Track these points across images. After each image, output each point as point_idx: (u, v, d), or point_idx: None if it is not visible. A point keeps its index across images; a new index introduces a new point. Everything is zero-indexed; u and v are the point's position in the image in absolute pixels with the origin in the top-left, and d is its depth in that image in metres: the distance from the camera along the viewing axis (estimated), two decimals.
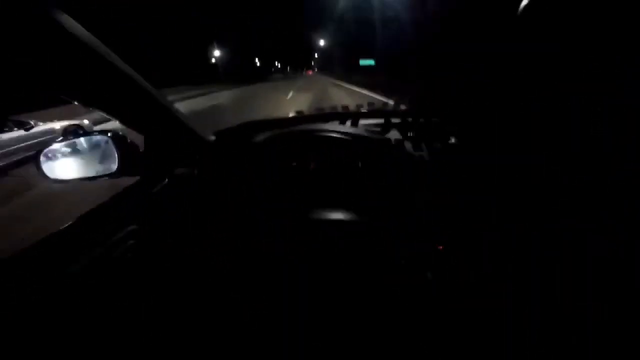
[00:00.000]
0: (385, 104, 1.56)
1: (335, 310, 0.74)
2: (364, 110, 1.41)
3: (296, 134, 1.10)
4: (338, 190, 1.02)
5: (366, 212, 0.92)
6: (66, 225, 0.77)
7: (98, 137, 0.87)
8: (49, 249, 0.69)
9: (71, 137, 0.88)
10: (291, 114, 1.44)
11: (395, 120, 1.32)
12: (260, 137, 1.13)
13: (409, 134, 1.24)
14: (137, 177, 0.92)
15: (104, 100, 0.66)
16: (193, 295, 0.81)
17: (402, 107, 1.43)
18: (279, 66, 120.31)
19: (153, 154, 0.90)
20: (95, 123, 7.95)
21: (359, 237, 0.86)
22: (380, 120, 1.35)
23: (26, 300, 0.59)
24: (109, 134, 0.86)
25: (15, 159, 5.38)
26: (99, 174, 0.87)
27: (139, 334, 0.69)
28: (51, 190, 3.69)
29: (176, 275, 0.84)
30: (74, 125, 6.98)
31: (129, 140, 0.87)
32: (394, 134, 1.26)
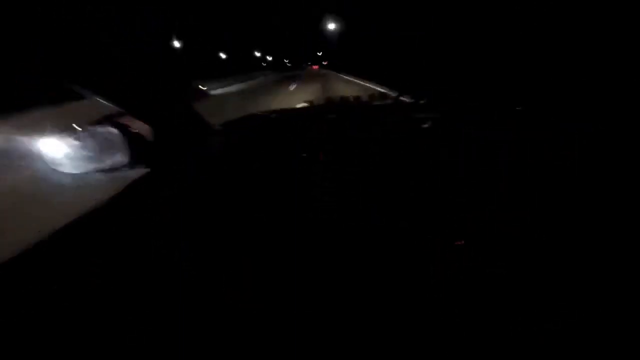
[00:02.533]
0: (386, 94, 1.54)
1: (335, 307, 0.73)
2: (376, 101, 1.39)
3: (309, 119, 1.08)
4: (361, 195, 1.00)
5: (389, 220, 0.90)
6: (75, 218, 0.76)
7: (106, 129, 0.86)
8: (58, 241, 0.68)
9: (80, 130, 0.87)
10: (299, 105, 1.42)
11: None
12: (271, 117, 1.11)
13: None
14: (147, 169, 0.91)
15: (112, 90, 0.64)
16: (196, 291, 0.81)
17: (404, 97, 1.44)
18: (270, 59, 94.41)
19: (161, 145, 0.88)
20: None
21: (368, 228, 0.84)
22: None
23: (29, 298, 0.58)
24: (118, 126, 0.84)
25: None
26: (108, 166, 0.86)
27: (139, 331, 0.69)
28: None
29: (181, 269, 0.83)
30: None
31: (137, 132, 0.86)
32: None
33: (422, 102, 1.35)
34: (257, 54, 78.07)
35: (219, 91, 15.46)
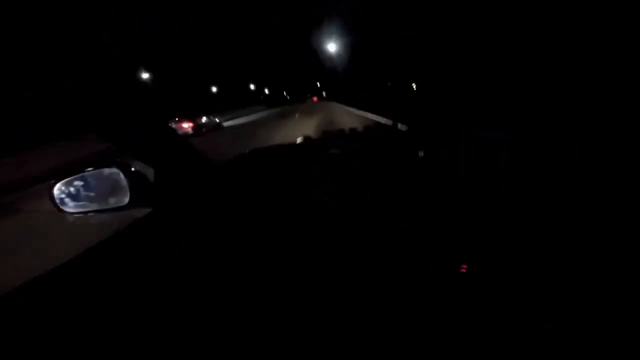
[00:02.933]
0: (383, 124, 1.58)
1: (337, 314, 0.72)
2: (370, 131, 1.42)
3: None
4: (359, 198, 1.01)
5: (388, 221, 0.91)
6: (76, 256, 0.77)
7: (108, 170, 0.88)
8: (60, 277, 0.69)
9: (82, 171, 0.89)
10: (299, 140, 1.46)
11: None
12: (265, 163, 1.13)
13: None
14: (149, 209, 0.92)
15: (113, 130, 0.67)
16: (205, 296, 0.80)
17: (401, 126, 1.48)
18: (267, 92, 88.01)
19: (163, 185, 0.90)
20: None
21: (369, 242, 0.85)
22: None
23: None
24: (120, 167, 0.87)
25: None
26: (111, 207, 0.88)
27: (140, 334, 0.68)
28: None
29: (192, 277, 0.83)
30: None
31: (138, 172, 0.88)
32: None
33: (415, 129, 1.38)
34: (252, 87, 73.42)
35: (229, 123, 17.47)
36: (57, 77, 0.50)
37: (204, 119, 16.65)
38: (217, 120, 17.95)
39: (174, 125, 14.38)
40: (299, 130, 12.27)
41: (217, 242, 0.91)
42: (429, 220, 0.86)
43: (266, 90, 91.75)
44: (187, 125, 15.16)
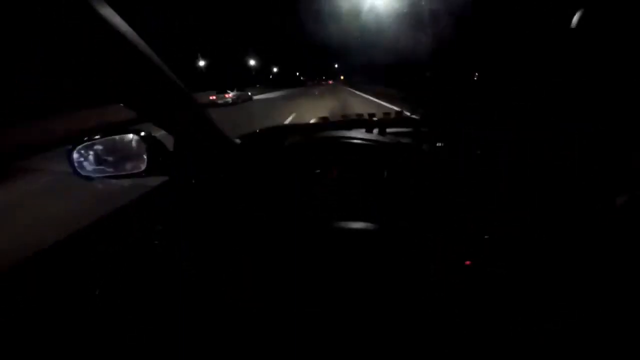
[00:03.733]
0: (401, 112, 1.55)
1: (350, 319, 0.72)
2: (388, 118, 1.40)
3: (322, 140, 1.10)
4: (362, 198, 1.00)
5: (390, 221, 0.90)
6: (94, 221, 0.79)
7: (129, 136, 0.89)
8: (75, 243, 0.71)
9: (103, 135, 0.90)
10: (313, 120, 1.44)
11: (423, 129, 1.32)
12: (286, 143, 1.13)
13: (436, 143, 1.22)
14: (165, 178, 0.93)
15: (138, 99, 0.67)
16: (206, 295, 0.81)
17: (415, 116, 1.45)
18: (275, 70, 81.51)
19: (182, 156, 0.91)
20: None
21: (380, 247, 0.84)
22: (405, 129, 1.35)
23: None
24: (140, 134, 0.87)
25: None
26: (128, 173, 0.89)
27: (148, 331, 0.70)
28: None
29: (192, 276, 0.84)
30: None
31: (158, 140, 0.88)
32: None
33: (432, 119, 1.36)
34: (252, 63, 62.34)
35: (259, 97, 22.56)
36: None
37: (239, 92, 21.50)
38: (249, 94, 23.44)
39: (219, 95, 20.18)
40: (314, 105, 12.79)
41: (221, 233, 0.92)
42: (430, 219, 0.85)
43: (274, 69, 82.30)
44: (229, 95, 20.22)
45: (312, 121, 1.43)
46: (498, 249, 0.74)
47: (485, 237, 0.77)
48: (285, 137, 1.17)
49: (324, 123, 1.39)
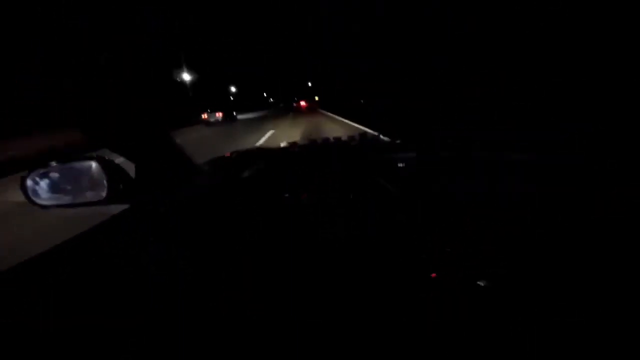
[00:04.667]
0: (369, 135, 1.60)
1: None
2: (355, 141, 1.44)
3: (287, 166, 1.11)
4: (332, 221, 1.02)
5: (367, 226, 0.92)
6: (50, 249, 0.75)
7: (86, 163, 0.86)
8: (29, 272, 0.67)
9: (59, 162, 0.86)
10: (283, 144, 1.46)
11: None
12: (251, 169, 1.13)
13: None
14: (126, 206, 0.90)
15: (96, 123, 0.65)
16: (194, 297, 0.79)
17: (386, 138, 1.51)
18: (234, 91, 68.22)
19: (145, 183, 0.89)
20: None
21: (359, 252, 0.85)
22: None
23: None
24: (100, 160, 0.84)
25: None
26: (86, 201, 0.85)
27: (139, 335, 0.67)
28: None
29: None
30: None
31: (119, 167, 0.86)
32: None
33: (397, 141, 1.41)
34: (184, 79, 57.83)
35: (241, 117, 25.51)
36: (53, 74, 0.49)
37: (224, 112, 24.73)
38: (234, 113, 26.45)
39: (211, 114, 23.41)
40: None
41: (197, 243, 0.90)
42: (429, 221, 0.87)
43: (232, 89, 67.91)
44: (219, 114, 23.41)
45: (282, 145, 1.45)
46: (498, 249, 0.76)
47: (448, 249, 0.80)
48: (253, 162, 1.18)
49: (293, 147, 1.41)
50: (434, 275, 0.77)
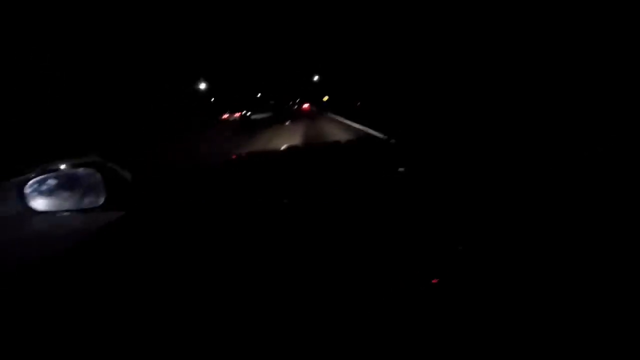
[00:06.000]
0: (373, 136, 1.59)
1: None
2: (353, 142, 1.43)
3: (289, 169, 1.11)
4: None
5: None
6: (49, 255, 0.75)
7: (84, 170, 0.86)
8: (30, 279, 0.67)
9: (57, 169, 0.87)
10: (284, 147, 1.46)
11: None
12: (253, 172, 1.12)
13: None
14: (122, 212, 0.90)
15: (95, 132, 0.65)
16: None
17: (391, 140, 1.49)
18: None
19: (141, 189, 0.88)
20: None
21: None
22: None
23: None
24: (98, 168, 0.84)
25: None
26: (84, 207, 0.85)
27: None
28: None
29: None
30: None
31: (118, 174, 0.86)
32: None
33: (392, 142, 1.40)
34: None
35: (254, 117, 27.79)
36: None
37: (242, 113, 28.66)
38: (249, 114, 29.00)
39: (231, 114, 28.43)
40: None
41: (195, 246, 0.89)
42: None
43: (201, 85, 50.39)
44: (237, 115, 27.93)
45: (283, 147, 1.45)
46: (497, 250, 0.75)
47: (460, 248, 0.78)
48: (255, 166, 1.17)
49: (294, 150, 1.41)
50: (435, 281, 0.76)
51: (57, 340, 0.66)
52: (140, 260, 0.86)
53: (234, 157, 1.27)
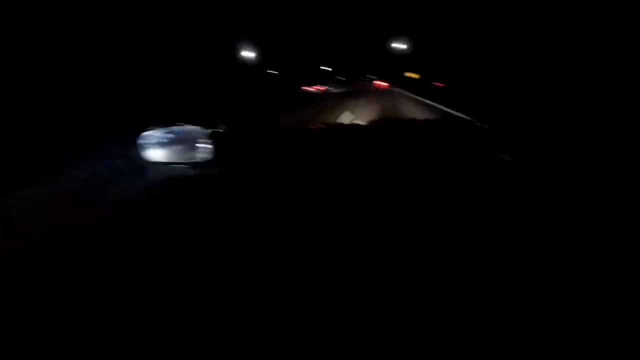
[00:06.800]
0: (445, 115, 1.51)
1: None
2: (430, 121, 1.38)
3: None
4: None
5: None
6: (158, 205, 0.85)
7: (195, 128, 0.95)
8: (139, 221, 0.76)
9: (172, 126, 0.98)
10: (360, 122, 1.46)
11: None
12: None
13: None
14: (225, 168, 0.98)
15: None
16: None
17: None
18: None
19: (239, 149, 0.96)
20: None
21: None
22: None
23: None
24: (208, 127, 0.93)
25: None
26: (192, 161, 0.95)
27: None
28: None
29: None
30: None
31: (225, 135, 0.94)
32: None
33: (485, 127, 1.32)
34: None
35: (334, 91, 24.32)
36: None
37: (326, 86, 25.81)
38: (331, 88, 26.06)
39: (317, 88, 24.42)
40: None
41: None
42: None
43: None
44: (323, 88, 24.44)
45: (358, 122, 1.45)
46: (497, 250, 0.74)
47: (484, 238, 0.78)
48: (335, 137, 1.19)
49: (372, 124, 1.40)
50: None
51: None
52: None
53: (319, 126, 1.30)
